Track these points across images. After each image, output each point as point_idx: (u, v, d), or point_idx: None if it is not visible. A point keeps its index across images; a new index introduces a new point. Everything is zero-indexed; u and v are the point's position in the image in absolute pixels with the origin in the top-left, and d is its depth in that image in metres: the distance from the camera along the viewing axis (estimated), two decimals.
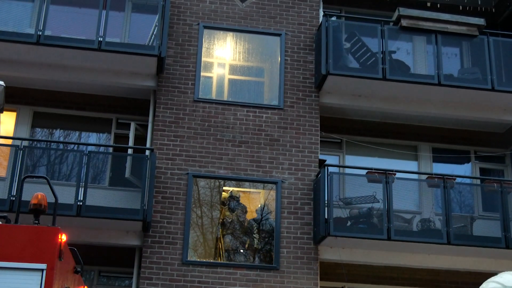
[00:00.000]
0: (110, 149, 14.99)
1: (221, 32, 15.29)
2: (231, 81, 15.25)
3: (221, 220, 14.21)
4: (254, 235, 14.29)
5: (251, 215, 14.46)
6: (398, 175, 13.93)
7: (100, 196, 13.47)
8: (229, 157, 14.22)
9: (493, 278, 6.14)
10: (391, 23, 15.08)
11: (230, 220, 14.22)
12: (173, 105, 14.44)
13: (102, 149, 15.11)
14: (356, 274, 14.39)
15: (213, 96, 14.87)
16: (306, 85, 14.98)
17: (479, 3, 17.09)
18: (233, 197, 14.37)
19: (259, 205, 14.54)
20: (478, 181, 15.75)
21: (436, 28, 14.89)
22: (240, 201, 14.39)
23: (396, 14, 14.97)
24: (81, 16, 14.30)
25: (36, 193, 8.18)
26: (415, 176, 15.29)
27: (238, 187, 14.52)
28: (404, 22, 14.82)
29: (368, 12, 16.81)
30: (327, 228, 13.22)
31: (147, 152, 13.72)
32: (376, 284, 14.73)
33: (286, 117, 14.69)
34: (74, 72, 14.35)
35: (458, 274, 14.67)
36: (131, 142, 14.54)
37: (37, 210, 8.05)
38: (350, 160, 15.73)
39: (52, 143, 14.96)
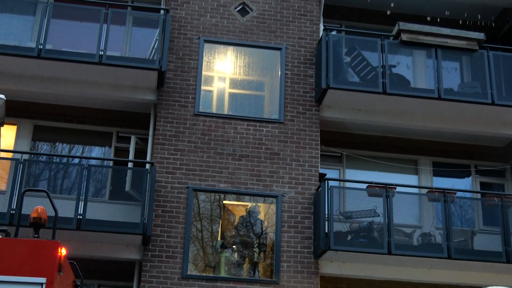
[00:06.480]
0: (110, 163, 14.98)
1: (222, 46, 15.33)
2: (231, 95, 15.26)
3: (232, 232, 14.19)
4: (255, 249, 14.25)
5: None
6: (398, 189, 13.92)
7: (100, 210, 13.44)
8: (229, 171, 14.21)
9: None
10: (391, 37, 15.11)
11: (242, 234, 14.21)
12: (173, 119, 14.45)
13: (102, 162, 15.09)
14: None
15: (214, 110, 14.89)
16: (306, 99, 15.00)
17: (479, 17, 17.16)
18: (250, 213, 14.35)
19: (260, 219, 14.51)
20: (479, 195, 15.71)
21: (436, 42, 14.94)
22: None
23: (396, 28, 15.01)
24: (82, 30, 14.33)
25: (36, 206, 8.17)
26: (415, 190, 15.26)
27: (238, 200, 14.50)
28: (404, 36, 14.87)
29: (368, 27, 16.86)
30: (328, 242, 13.19)
31: (147, 166, 13.71)
32: None
33: (286, 131, 14.69)
34: (75, 86, 14.37)
35: None
36: (131, 156, 14.55)
37: (37, 224, 8.04)
38: (351, 174, 15.73)
39: (52, 157, 14.97)
